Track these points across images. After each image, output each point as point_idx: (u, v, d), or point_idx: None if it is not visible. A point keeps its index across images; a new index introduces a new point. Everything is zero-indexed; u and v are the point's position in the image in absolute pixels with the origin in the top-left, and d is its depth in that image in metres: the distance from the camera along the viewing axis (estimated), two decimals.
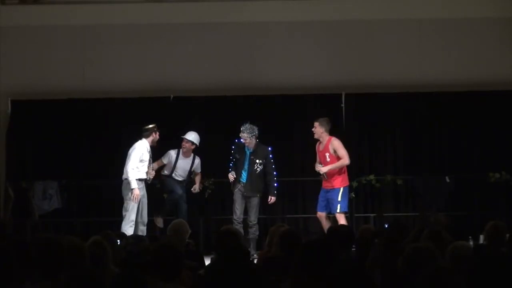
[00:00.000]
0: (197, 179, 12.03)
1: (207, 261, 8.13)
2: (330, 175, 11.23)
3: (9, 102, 12.99)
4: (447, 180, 12.64)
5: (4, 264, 4.50)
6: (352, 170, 12.91)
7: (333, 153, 11.20)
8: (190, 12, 13.04)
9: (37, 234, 7.77)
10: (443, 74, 12.99)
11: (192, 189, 11.90)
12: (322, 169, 11.19)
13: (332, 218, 11.30)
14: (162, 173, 11.94)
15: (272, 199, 11.54)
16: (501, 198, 12.73)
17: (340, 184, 11.21)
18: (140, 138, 11.32)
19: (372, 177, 12.87)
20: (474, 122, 12.91)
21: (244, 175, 11.47)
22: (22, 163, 12.91)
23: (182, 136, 11.82)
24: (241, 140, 11.47)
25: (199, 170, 11.99)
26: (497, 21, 13.03)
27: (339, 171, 11.24)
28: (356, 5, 13.05)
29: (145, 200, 11.20)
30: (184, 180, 11.93)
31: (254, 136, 11.37)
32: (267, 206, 11.98)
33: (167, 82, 12.96)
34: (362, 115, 12.99)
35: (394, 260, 5.05)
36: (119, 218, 11.19)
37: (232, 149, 11.68)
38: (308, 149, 13.04)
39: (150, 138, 11.31)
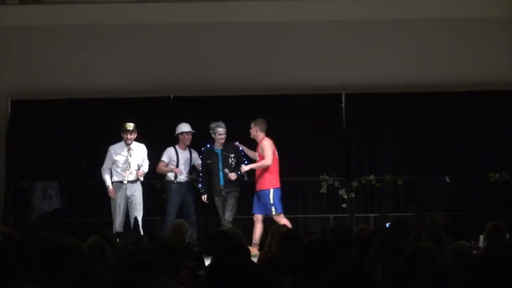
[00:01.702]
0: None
1: (207, 261, 8.12)
2: (258, 176, 11.37)
3: (9, 102, 12.99)
4: (447, 180, 12.64)
5: (4, 264, 4.49)
6: (352, 170, 12.96)
7: (261, 153, 11.33)
8: (190, 12, 13.04)
9: (37, 234, 7.76)
10: (443, 74, 12.99)
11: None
12: (244, 167, 11.36)
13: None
14: (167, 178, 11.88)
15: (233, 175, 11.43)
16: (501, 198, 12.73)
17: (267, 186, 11.29)
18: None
19: (372, 177, 12.87)
20: (474, 122, 12.91)
21: (221, 176, 11.47)
22: (22, 163, 12.90)
23: (182, 132, 11.77)
24: (208, 145, 11.56)
25: (198, 162, 11.91)
26: (497, 21, 13.03)
27: (267, 172, 11.32)
28: (356, 5, 13.05)
29: (134, 201, 11.21)
30: (186, 182, 11.79)
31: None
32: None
33: (167, 82, 12.96)
34: (362, 115, 12.99)
35: (394, 260, 5.05)
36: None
37: (201, 158, 11.73)
38: (308, 149, 13.07)
39: (123, 139, 11.46)
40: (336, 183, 12.78)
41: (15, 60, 13.01)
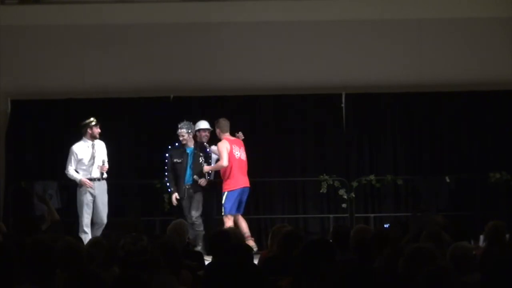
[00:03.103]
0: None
1: (207, 261, 8.11)
2: (222, 177, 11.29)
3: (9, 102, 12.99)
4: (447, 180, 12.64)
5: (4, 264, 4.49)
6: (352, 170, 12.96)
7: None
8: (190, 12, 13.03)
9: (36, 234, 7.76)
10: (443, 74, 12.98)
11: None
12: (205, 168, 11.32)
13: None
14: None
15: (203, 181, 11.31)
16: (501, 198, 12.73)
17: (224, 188, 11.20)
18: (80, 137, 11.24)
19: (372, 177, 12.87)
20: (474, 122, 12.91)
21: (188, 173, 11.33)
22: (22, 163, 12.90)
23: (198, 129, 11.56)
24: (176, 143, 11.46)
25: (214, 156, 11.62)
26: (497, 21, 13.03)
27: (225, 175, 11.22)
28: (356, 5, 13.05)
29: (100, 200, 11.05)
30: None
31: (191, 133, 11.35)
32: (267, 206, 11.99)
33: (167, 82, 12.96)
34: (362, 115, 12.99)
35: (395, 260, 5.05)
36: (118, 218, 11.20)
37: (166, 157, 11.56)
38: (308, 149, 13.07)
39: (88, 135, 11.13)
40: (336, 183, 12.77)
41: (15, 60, 13.00)
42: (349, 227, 7.35)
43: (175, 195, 11.40)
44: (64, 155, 12.70)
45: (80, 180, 11.02)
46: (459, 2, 13.08)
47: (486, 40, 13.06)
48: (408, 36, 13.12)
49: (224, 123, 11.33)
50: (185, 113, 12.85)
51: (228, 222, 11.02)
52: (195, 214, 11.27)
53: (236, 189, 11.19)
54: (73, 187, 12.74)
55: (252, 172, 11.58)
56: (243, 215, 11.38)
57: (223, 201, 11.17)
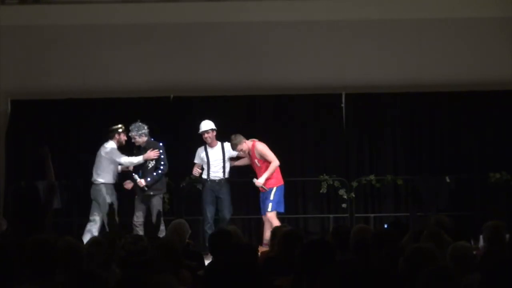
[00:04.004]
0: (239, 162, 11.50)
1: (207, 261, 8.12)
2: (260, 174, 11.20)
3: (9, 102, 13.00)
4: (447, 180, 12.64)
5: (4, 264, 4.49)
6: (352, 170, 12.96)
7: (259, 157, 11.15)
8: (190, 12, 13.04)
9: (35, 234, 7.77)
10: (443, 74, 12.99)
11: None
12: (264, 175, 11.07)
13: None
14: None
15: (141, 182, 11.06)
16: (501, 198, 12.73)
17: (272, 184, 11.05)
18: (106, 140, 11.27)
19: (372, 177, 12.88)
20: (474, 122, 12.91)
21: (140, 175, 11.20)
22: (22, 163, 12.91)
23: (199, 132, 11.41)
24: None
25: (234, 153, 11.34)
26: (497, 21, 13.03)
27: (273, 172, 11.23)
28: (356, 5, 13.05)
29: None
30: (221, 180, 11.34)
31: (143, 134, 11.08)
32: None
33: (167, 82, 12.97)
34: (362, 115, 13.00)
35: (395, 260, 5.05)
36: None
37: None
38: (308, 149, 13.07)
39: (115, 140, 11.21)
40: (336, 183, 12.78)
41: (15, 60, 13.01)
42: (349, 227, 7.34)
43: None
44: (64, 155, 12.73)
45: (144, 155, 11.04)
46: (459, 2, 13.08)
47: (486, 40, 13.06)
48: (408, 36, 13.12)
49: (239, 135, 11.13)
50: (185, 113, 12.88)
51: (275, 220, 10.78)
52: (137, 218, 11.06)
53: (282, 184, 11.08)
54: (73, 187, 12.77)
55: (252, 172, 11.58)
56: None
57: (271, 197, 10.91)
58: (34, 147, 12.85)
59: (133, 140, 11.17)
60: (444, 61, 13.03)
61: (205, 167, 11.42)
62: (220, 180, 11.33)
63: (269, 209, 10.92)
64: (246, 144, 11.06)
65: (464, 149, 12.95)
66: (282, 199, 11.06)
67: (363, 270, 4.01)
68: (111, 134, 11.25)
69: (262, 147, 11.04)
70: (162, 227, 11.03)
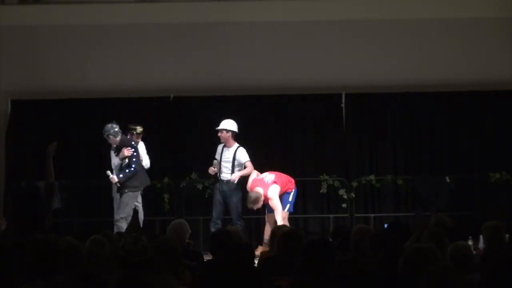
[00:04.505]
0: (243, 171, 11.30)
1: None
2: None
3: (9, 102, 12.99)
4: (447, 180, 12.64)
5: (4, 264, 4.49)
6: (352, 170, 12.96)
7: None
8: (190, 12, 13.03)
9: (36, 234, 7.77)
10: (443, 74, 12.98)
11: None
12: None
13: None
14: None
15: (114, 178, 10.97)
16: (501, 198, 12.73)
17: (292, 187, 11.37)
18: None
19: (372, 177, 12.87)
20: (474, 122, 12.91)
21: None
22: (22, 163, 12.91)
23: (216, 129, 11.32)
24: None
25: (243, 160, 11.24)
26: (497, 21, 13.03)
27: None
28: (356, 5, 13.05)
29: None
30: (228, 181, 11.22)
31: (117, 134, 10.98)
32: (267, 206, 11.92)
33: (167, 82, 12.96)
34: (362, 115, 12.99)
35: (395, 260, 5.04)
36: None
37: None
38: (308, 149, 13.07)
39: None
40: (336, 183, 12.78)
41: (15, 60, 13.00)
42: (349, 227, 7.34)
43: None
44: (64, 155, 12.72)
45: None
46: (459, 2, 13.07)
47: (486, 40, 13.05)
48: (408, 36, 13.12)
49: (256, 193, 11.03)
50: (185, 113, 12.88)
51: (286, 220, 11.01)
52: (117, 215, 10.98)
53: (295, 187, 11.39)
54: (73, 187, 12.77)
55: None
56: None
57: (290, 199, 11.20)
58: (34, 147, 12.89)
59: (109, 141, 11.09)
60: (444, 61, 13.03)
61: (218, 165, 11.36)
62: (227, 181, 11.26)
63: (286, 209, 11.15)
64: (261, 201, 11.07)
65: (464, 149, 12.95)
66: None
67: (363, 270, 4.01)
68: (128, 131, 11.32)
69: (272, 195, 11.03)
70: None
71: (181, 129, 12.89)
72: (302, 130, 13.06)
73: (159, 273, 5.05)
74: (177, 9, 13.05)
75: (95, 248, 5.77)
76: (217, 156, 11.36)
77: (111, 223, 11.42)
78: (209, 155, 11.96)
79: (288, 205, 11.18)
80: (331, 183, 12.78)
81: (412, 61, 13.08)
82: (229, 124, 11.27)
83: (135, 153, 11.02)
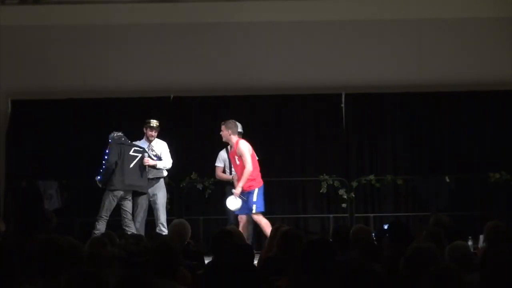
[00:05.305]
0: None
1: (207, 261, 8.12)
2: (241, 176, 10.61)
3: (9, 102, 13.00)
4: (447, 180, 12.64)
5: (4, 264, 4.49)
6: (352, 170, 12.96)
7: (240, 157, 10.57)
8: (190, 12, 13.04)
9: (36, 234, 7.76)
10: (443, 74, 12.99)
11: None
12: (236, 192, 10.52)
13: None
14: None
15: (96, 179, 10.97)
16: (501, 198, 12.74)
17: (253, 186, 10.53)
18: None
19: (372, 177, 12.88)
20: (474, 122, 12.92)
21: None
22: (22, 163, 12.91)
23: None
24: None
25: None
26: (497, 21, 13.03)
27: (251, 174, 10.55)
28: (356, 5, 13.05)
29: (153, 201, 11.22)
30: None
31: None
32: (267, 206, 11.92)
33: (167, 82, 12.97)
34: (362, 115, 13.00)
35: (395, 260, 5.05)
36: (119, 218, 11.18)
37: None
38: (308, 149, 13.07)
39: (145, 135, 11.25)
40: (336, 183, 12.78)
41: (15, 60, 13.01)
42: (349, 227, 7.34)
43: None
44: (64, 155, 12.73)
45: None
46: (459, 2, 13.08)
47: (486, 40, 13.06)
48: (408, 36, 13.13)
49: (235, 124, 10.66)
50: (185, 113, 12.88)
51: (263, 220, 10.47)
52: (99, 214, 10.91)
53: (262, 185, 10.66)
54: (73, 187, 12.77)
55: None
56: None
57: (254, 199, 10.50)
58: (34, 147, 12.89)
59: None
60: (444, 61, 13.03)
61: (227, 169, 11.28)
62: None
63: (254, 210, 10.53)
64: (229, 135, 10.58)
65: (464, 149, 12.95)
66: (263, 199, 10.67)
67: (363, 270, 4.01)
68: (144, 127, 11.26)
69: (243, 148, 10.47)
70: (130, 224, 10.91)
71: (181, 129, 12.90)
72: (302, 130, 13.07)
73: (159, 274, 5.06)
74: (177, 9, 13.06)
75: (95, 249, 5.76)
76: (225, 160, 11.25)
77: (111, 223, 11.43)
78: (209, 155, 11.99)
79: (254, 205, 10.51)
80: (331, 183, 12.78)
81: (412, 61, 13.09)
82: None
83: (106, 151, 10.85)
